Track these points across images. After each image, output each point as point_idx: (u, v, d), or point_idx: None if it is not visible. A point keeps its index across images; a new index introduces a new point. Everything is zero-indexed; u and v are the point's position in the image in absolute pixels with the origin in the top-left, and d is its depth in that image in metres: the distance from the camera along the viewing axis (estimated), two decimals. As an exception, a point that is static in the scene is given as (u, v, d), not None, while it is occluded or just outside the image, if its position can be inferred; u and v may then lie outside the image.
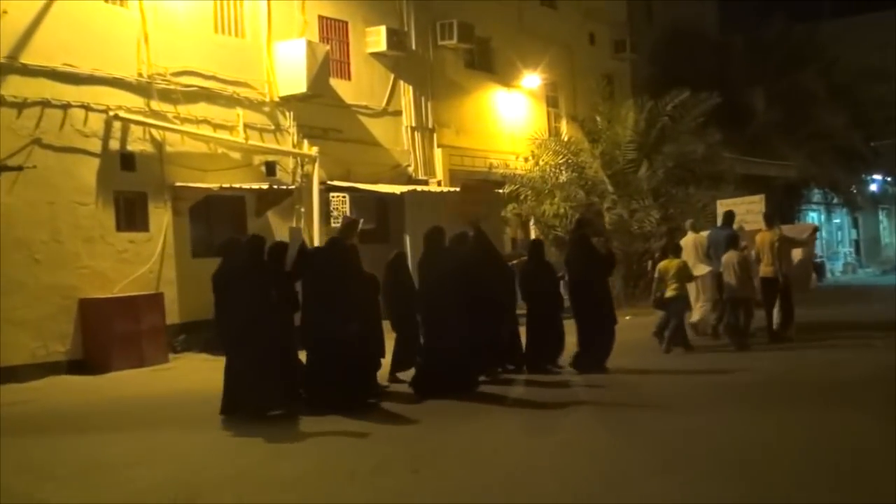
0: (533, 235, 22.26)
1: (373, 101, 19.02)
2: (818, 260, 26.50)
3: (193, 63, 15.47)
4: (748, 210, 15.20)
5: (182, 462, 7.69)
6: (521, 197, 21.28)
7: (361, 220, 11.74)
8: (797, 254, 14.10)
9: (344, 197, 17.34)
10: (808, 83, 27.90)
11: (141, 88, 14.69)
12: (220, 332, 9.80)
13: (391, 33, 18.83)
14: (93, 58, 14.02)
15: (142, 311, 13.91)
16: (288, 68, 16.59)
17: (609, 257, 12.29)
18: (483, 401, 9.89)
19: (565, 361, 11.55)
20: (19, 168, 12.88)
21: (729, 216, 14.28)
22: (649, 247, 20.40)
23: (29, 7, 13.31)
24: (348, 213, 17.12)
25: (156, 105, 14.84)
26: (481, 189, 18.29)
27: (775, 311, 13.50)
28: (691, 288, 13.63)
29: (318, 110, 17.46)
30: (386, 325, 11.14)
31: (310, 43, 16.76)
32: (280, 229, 16.13)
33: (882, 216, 39.18)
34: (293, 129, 17.14)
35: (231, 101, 16.08)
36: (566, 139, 22.67)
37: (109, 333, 13.43)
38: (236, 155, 16.14)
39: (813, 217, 33.93)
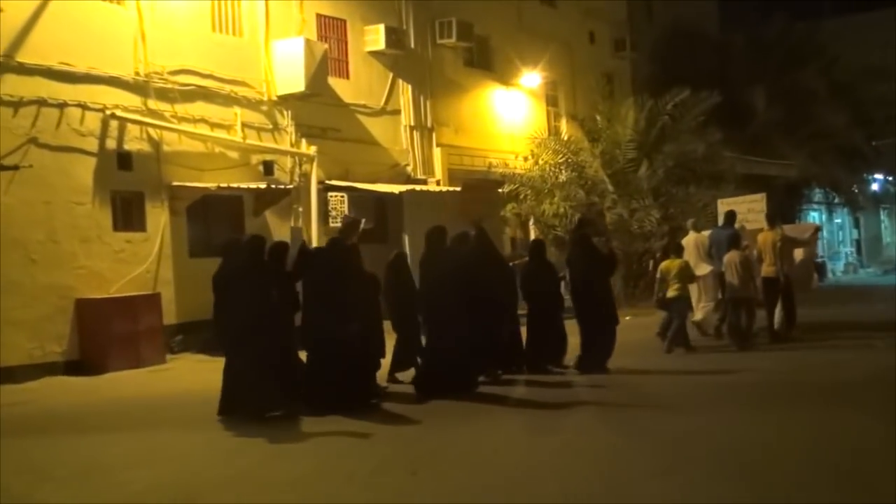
0: (532, 235, 22.30)
1: (371, 100, 19.05)
2: (819, 260, 26.52)
3: (191, 62, 15.50)
4: (749, 209, 15.24)
5: (181, 463, 7.71)
6: (521, 196, 21.31)
7: (364, 221, 11.71)
8: (798, 253, 14.15)
9: (342, 196, 17.36)
10: (809, 82, 27.94)
11: (138, 87, 14.71)
12: (220, 332, 9.83)
13: (390, 32, 18.85)
14: (89, 56, 14.03)
15: (139, 311, 13.93)
16: (286, 67, 16.61)
17: (611, 257, 12.32)
18: (484, 401, 9.91)
19: (569, 362, 11.58)
20: (15, 167, 12.90)
21: (730, 215, 14.32)
22: (649, 246, 20.43)
23: (25, 5, 13.33)
24: (347, 213, 17.14)
25: (153, 104, 14.86)
26: (483, 188, 18.27)
27: (777, 312, 13.53)
28: (693, 288, 13.66)
29: (317, 109, 17.48)
30: (387, 325, 11.17)
31: (308, 41, 16.78)
32: (278, 229, 16.16)
33: (883, 216, 39.21)
34: (291, 129, 17.16)
35: (229, 100, 16.10)
36: (566, 138, 22.70)
37: (106, 334, 13.45)
38: (234, 154, 16.16)
39: (814, 216, 33.96)
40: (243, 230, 15.68)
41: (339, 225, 16.58)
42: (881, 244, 39.00)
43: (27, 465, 7.74)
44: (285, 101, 16.94)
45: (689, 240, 14.56)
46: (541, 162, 21.96)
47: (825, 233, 32.68)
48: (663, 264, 13.34)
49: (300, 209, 17.05)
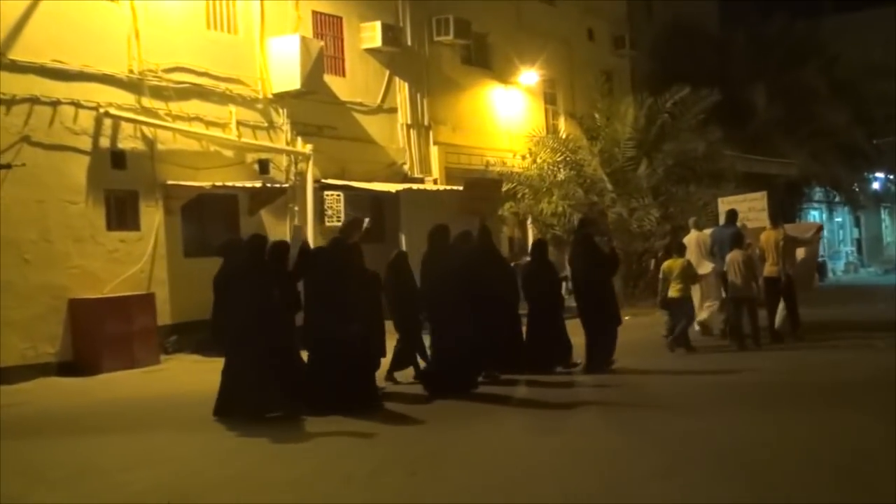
0: (531, 234, 22.35)
1: (368, 98, 19.06)
2: (820, 259, 26.57)
3: (185, 59, 15.50)
4: (750, 208, 15.29)
5: (179, 464, 7.72)
6: (519, 195, 21.33)
7: (367, 220, 11.70)
8: (800, 252, 14.20)
9: (338, 195, 17.37)
10: (810, 80, 28.00)
11: (132, 85, 14.71)
12: (218, 332, 9.82)
13: (386, 29, 18.86)
14: (83, 54, 14.04)
15: (133, 311, 13.93)
16: (281, 65, 16.61)
17: (612, 257, 12.36)
18: (484, 401, 9.96)
19: (577, 359, 11.62)
20: (8, 166, 12.91)
21: (732, 214, 14.38)
22: (649, 246, 20.47)
23: (18, 2, 13.32)
24: (342, 212, 17.16)
25: (147, 102, 14.87)
26: (485, 186, 18.29)
27: (779, 311, 13.58)
28: (695, 287, 13.70)
29: (312, 107, 17.50)
30: (388, 324, 11.20)
31: (304, 39, 16.79)
32: (274, 228, 16.17)
33: (884, 215, 39.27)
34: (287, 127, 17.18)
35: (224, 98, 16.11)
36: (564, 137, 22.74)
37: (100, 334, 13.45)
38: (229, 153, 16.17)
39: (814, 215, 34.03)
40: (238, 229, 15.70)
41: (335, 224, 16.68)
42: (882, 243, 39.06)
43: (22, 467, 7.75)
44: (281, 98, 16.95)
45: (691, 238, 14.61)
46: (539, 160, 22.00)
47: (825, 232, 32.72)
48: (665, 264, 13.38)
49: (296, 208, 17.06)
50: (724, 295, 13.89)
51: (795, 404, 9.07)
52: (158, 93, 15.05)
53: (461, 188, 17.56)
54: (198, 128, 15.65)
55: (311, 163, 17.15)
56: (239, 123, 16.23)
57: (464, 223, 12.21)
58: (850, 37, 29.54)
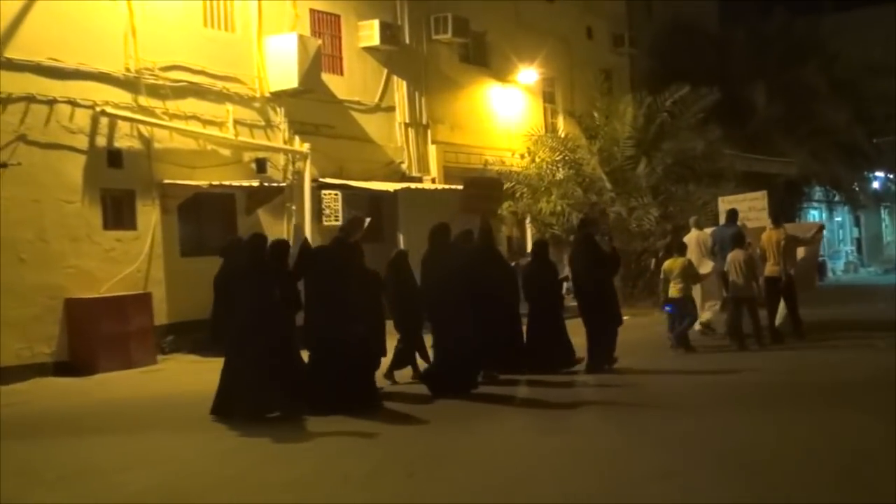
0: (529, 234, 22.37)
1: (366, 97, 19.07)
2: (820, 259, 26.61)
3: (182, 58, 15.50)
4: (750, 207, 15.34)
5: (177, 465, 7.74)
6: (517, 194, 21.35)
7: (368, 220, 11.70)
8: (800, 252, 14.23)
9: (336, 194, 17.37)
10: (810, 78, 28.02)
11: (128, 83, 14.71)
12: (217, 331, 9.82)
13: (384, 27, 18.87)
14: (79, 52, 14.03)
15: (129, 311, 13.93)
16: (279, 63, 16.61)
17: (613, 256, 12.38)
18: (485, 401, 9.99)
19: (580, 355, 11.65)
20: (4, 165, 12.91)
21: (733, 213, 14.41)
22: (648, 245, 20.49)
23: (14, 0, 13.31)
24: (340, 211, 17.17)
25: (143, 101, 14.87)
26: (485, 185, 18.27)
27: (780, 310, 13.62)
28: (696, 288, 13.71)
29: (310, 106, 17.50)
30: (388, 324, 11.21)
31: (301, 37, 16.78)
32: (271, 227, 16.17)
33: (884, 214, 39.29)
34: (284, 126, 17.18)
35: (220, 97, 16.11)
36: (563, 135, 22.74)
37: (96, 334, 13.44)
38: (226, 152, 16.17)
39: (814, 215, 34.06)
40: (235, 229, 15.71)
41: (333, 223, 16.70)
42: (882, 243, 39.10)
43: (20, 468, 7.75)
44: (278, 97, 16.95)
45: (692, 237, 14.64)
46: (537, 159, 22.01)
47: (825, 231, 32.74)
48: (666, 263, 13.40)
49: (293, 207, 17.06)
50: (724, 294, 13.91)
51: (796, 404, 9.10)
52: (155, 91, 15.05)
53: (461, 187, 17.54)
54: (195, 126, 15.65)
55: (308, 162, 17.16)
56: (236, 122, 16.23)
57: (464, 222, 12.23)
58: (850, 35, 29.54)
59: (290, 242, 11.39)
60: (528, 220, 22.10)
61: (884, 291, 21.94)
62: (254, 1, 16.76)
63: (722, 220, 15.05)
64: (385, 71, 19.50)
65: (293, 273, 9.87)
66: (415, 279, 11.16)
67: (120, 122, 14.51)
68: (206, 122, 15.83)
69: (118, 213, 14.61)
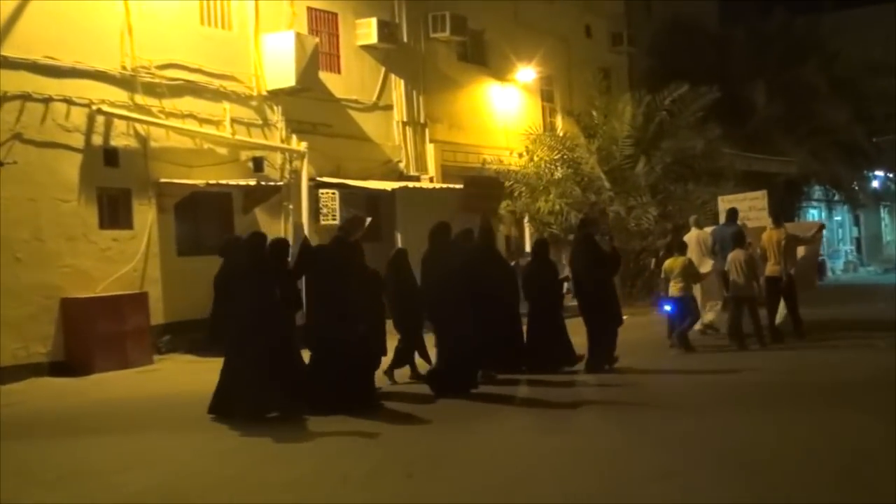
0: (528, 233, 22.40)
1: (363, 95, 19.09)
2: (820, 258, 26.65)
3: (179, 56, 15.50)
4: (750, 207, 15.38)
5: (175, 465, 7.76)
6: (515, 193, 21.37)
7: (369, 219, 11.70)
8: (800, 251, 14.27)
9: (334, 193, 17.39)
10: (810, 77, 28.07)
11: (125, 82, 14.72)
12: (216, 331, 9.81)
13: (382, 25, 18.88)
14: (75, 50, 14.03)
15: (125, 311, 13.93)
16: (276, 61, 16.62)
17: (614, 256, 12.41)
18: (486, 401, 10.01)
19: (580, 353, 11.68)
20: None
21: (733, 213, 14.45)
22: (647, 244, 20.52)
23: (10, -2, 13.35)
24: (337, 210, 17.18)
25: (140, 99, 14.87)
26: (485, 184, 18.32)
27: (780, 309, 13.65)
28: (696, 287, 13.74)
29: (307, 104, 17.51)
30: (388, 323, 11.23)
31: (298, 35, 16.80)
32: (268, 227, 16.15)
33: (884, 213, 39.39)
34: (281, 124, 17.19)
35: (217, 95, 16.12)
36: (561, 134, 22.76)
37: (92, 334, 13.45)
38: (223, 150, 16.18)
39: (813, 214, 34.14)
40: (232, 228, 15.72)
41: (330, 223, 16.72)
42: (881, 242, 39.19)
43: (16, 468, 7.75)
44: (275, 96, 16.96)
45: (692, 236, 14.66)
46: (536, 158, 22.02)
47: (825, 231, 32.77)
48: (667, 262, 13.43)
49: (290, 206, 17.08)
50: (725, 294, 13.93)
51: (796, 404, 9.14)
52: (152, 89, 15.06)
53: (460, 186, 17.60)
54: (191, 125, 15.66)
55: (305, 160, 17.18)
56: (233, 121, 16.24)
57: (464, 221, 12.26)
58: (850, 34, 29.59)
59: (290, 241, 11.40)
60: (526, 220, 22.13)
61: (883, 291, 21.99)
62: (251, -1, 16.78)
63: (722, 219, 15.08)
64: (383, 69, 19.51)
65: (293, 272, 9.89)
66: (415, 278, 11.18)
67: (116, 121, 14.52)
68: (202, 121, 15.84)
69: (114, 212, 14.61)
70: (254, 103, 16.78)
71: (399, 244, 16.62)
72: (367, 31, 18.84)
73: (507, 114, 22.89)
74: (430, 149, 20.52)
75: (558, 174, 21.72)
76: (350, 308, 9.51)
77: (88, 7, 14.32)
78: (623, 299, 18.96)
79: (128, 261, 14.54)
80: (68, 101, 13.92)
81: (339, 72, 18.62)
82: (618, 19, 26.93)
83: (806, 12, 30.54)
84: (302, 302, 9.82)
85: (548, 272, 12.13)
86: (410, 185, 18.87)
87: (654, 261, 14.98)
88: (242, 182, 16.06)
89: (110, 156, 14.48)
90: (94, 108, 14.20)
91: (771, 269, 13.53)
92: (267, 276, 9.46)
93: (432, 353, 11.05)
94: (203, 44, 16.01)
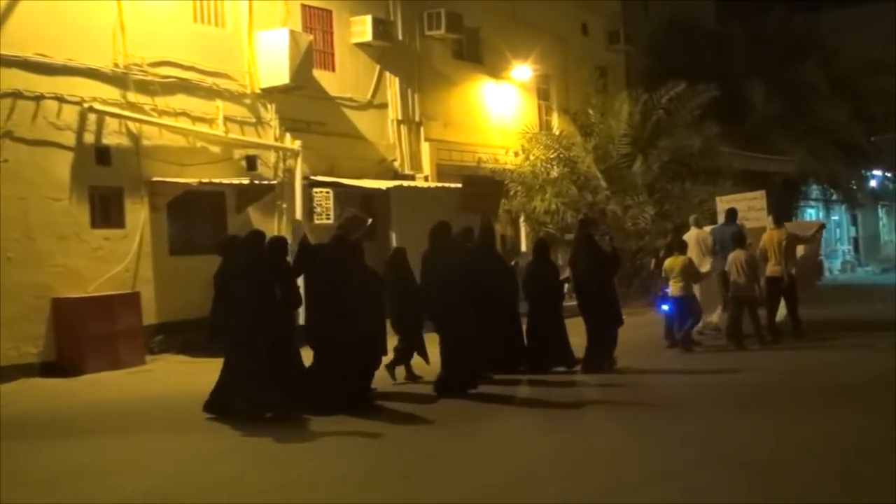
0: (523, 232, 22.43)
1: (358, 94, 19.09)
2: (818, 258, 26.70)
3: (171, 53, 15.49)
4: (749, 207, 15.41)
5: (170, 467, 7.76)
6: (511, 193, 21.39)
7: (370, 220, 11.68)
8: (799, 250, 14.30)
9: (328, 192, 17.39)
10: (808, 76, 28.12)
11: (117, 79, 14.70)
12: (215, 330, 9.80)
13: (377, 23, 18.89)
14: (67, 47, 14.01)
15: (117, 311, 13.92)
16: (270, 59, 16.62)
17: (614, 256, 12.44)
18: (485, 401, 10.05)
19: (577, 355, 11.71)
20: (-10, 162, 12.91)
21: (732, 213, 14.49)
22: (644, 244, 20.55)
23: (0, -6, 13.32)
24: (331, 210, 17.18)
25: (132, 97, 14.86)
26: (484, 184, 18.29)
27: (780, 308, 13.69)
28: (695, 288, 13.76)
29: (301, 103, 17.51)
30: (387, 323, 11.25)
31: (292, 33, 16.80)
32: (262, 226, 16.05)
33: (882, 213, 39.50)
34: (275, 122, 17.19)
35: (210, 93, 16.11)
36: (558, 133, 22.80)
37: (84, 334, 13.44)
38: (216, 149, 16.17)
39: (811, 214, 34.23)
40: (226, 227, 15.73)
41: (324, 222, 16.73)
42: (879, 242, 39.31)
43: (9, 470, 7.71)
44: (269, 94, 16.96)
45: (691, 236, 14.68)
46: (532, 157, 22.07)
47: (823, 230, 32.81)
48: (667, 262, 13.45)
49: (284, 205, 17.08)
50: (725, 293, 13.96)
51: (795, 404, 9.18)
52: (144, 87, 15.05)
53: (458, 185, 17.59)
54: (184, 123, 15.65)
55: (299, 159, 17.18)
56: (226, 119, 16.24)
57: (462, 221, 12.27)
58: (848, 32, 29.68)
59: (289, 240, 11.39)
60: (521, 219, 22.15)
61: (882, 291, 22.07)
62: (245, -4, 16.77)
63: (720, 219, 15.11)
64: (377, 67, 19.52)
65: (292, 270, 9.89)
66: (414, 277, 11.20)
67: (108, 119, 14.51)
68: (195, 119, 15.83)
69: (106, 211, 14.60)
70: (247, 101, 16.78)
71: (394, 244, 16.61)
72: (362, 28, 18.84)
73: (502, 112, 22.91)
74: (425, 147, 20.53)
75: (554, 173, 21.75)
76: (349, 307, 9.52)
77: (80, 4, 14.31)
78: (620, 299, 19.06)
79: (120, 260, 14.52)
80: (60, 99, 13.91)
81: (333, 70, 18.62)
82: (615, 17, 26.99)
83: (805, 10, 30.60)
84: (301, 299, 9.82)
85: (549, 273, 12.16)
86: (405, 184, 18.87)
87: (653, 260, 14.97)
88: (236, 181, 16.05)
89: (102, 154, 14.47)
90: (85, 105, 14.19)
91: (772, 269, 13.58)
92: (266, 274, 9.46)
93: (432, 352, 11.05)
94: (196, 41, 16.00)
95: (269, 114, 17.11)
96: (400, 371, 11.35)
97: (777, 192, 24.18)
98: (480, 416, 9.38)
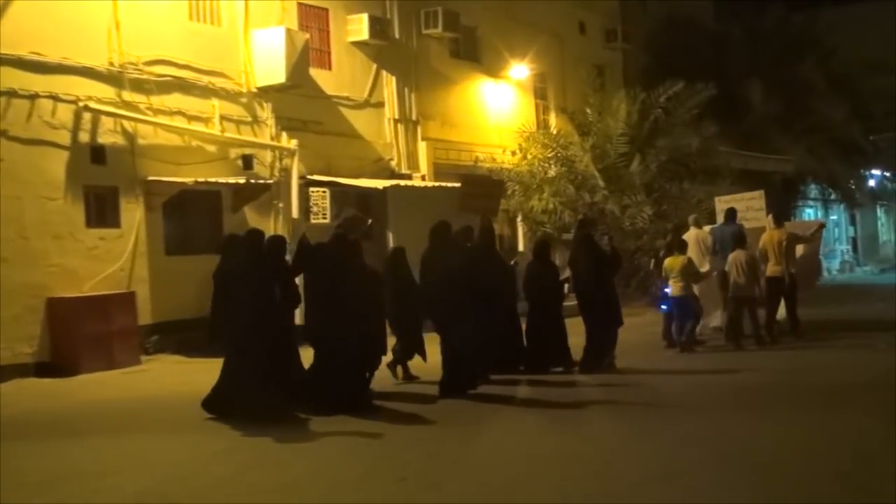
0: (521, 232, 22.45)
1: (354, 92, 19.10)
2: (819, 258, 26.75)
3: (167, 52, 15.50)
4: (748, 207, 15.43)
5: (167, 468, 7.77)
6: (509, 192, 21.39)
7: (370, 221, 11.70)
8: (799, 250, 14.34)
9: (324, 192, 17.40)
10: (807, 74, 28.12)
11: (112, 78, 14.71)
12: (215, 330, 9.81)
13: (374, 21, 18.90)
14: (62, 46, 14.01)
15: (113, 310, 13.94)
16: (266, 57, 16.62)
17: (614, 256, 12.47)
18: (485, 401, 10.08)
19: (576, 357, 11.74)
20: (-15, 161, 12.91)
21: (732, 212, 14.52)
22: (642, 244, 20.58)
23: (-6, -8, 13.32)
24: (328, 209, 17.19)
25: (127, 95, 14.87)
26: (484, 183, 18.27)
27: (780, 308, 13.73)
28: (694, 287, 13.79)
29: (298, 101, 17.52)
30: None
31: (289, 31, 16.81)
32: (258, 225, 16.06)
33: (880, 213, 39.57)
34: (271, 121, 17.20)
35: (206, 92, 16.12)
36: (555, 132, 22.80)
37: (79, 334, 13.45)
38: (212, 148, 16.18)
39: (810, 213, 34.27)
40: (222, 227, 15.74)
41: (321, 221, 16.73)
42: (878, 242, 39.38)
43: (6, 470, 7.70)
44: (265, 92, 16.97)
45: (691, 236, 14.71)
46: (529, 156, 22.07)
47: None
48: (667, 261, 13.48)
49: (280, 205, 17.10)
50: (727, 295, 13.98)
51: (795, 405, 9.21)
52: (139, 86, 15.05)
53: (454, 185, 17.58)
54: (180, 122, 15.66)
55: (296, 158, 17.19)
56: (222, 118, 16.25)
57: (461, 221, 12.29)
58: (847, 31, 29.68)
59: (288, 239, 11.40)
60: (519, 218, 22.17)
61: (881, 291, 22.14)
62: (241, -7, 16.78)
63: (719, 219, 15.14)
64: (374, 66, 19.53)
65: (292, 269, 9.90)
66: (413, 276, 11.22)
67: (103, 118, 14.51)
68: (191, 118, 15.84)
69: (101, 210, 14.60)
70: (243, 100, 16.79)
71: (391, 243, 16.64)
72: (359, 27, 18.85)
73: (500, 111, 22.92)
74: (421, 147, 20.55)
75: (552, 172, 21.77)
76: (349, 307, 9.54)
77: (75, 2, 14.30)
78: (619, 299, 19.11)
79: (115, 260, 14.53)
80: (55, 98, 13.91)
81: (329, 68, 18.64)
82: (612, 16, 27.01)
83: (803, 9, 30.62)
84: (300, 297, 9.83)
85: (549, 273, 12.19)
86: (402, 183, 18.89)
87: (653, 260, 15.00)
88: (232, 180, 16.06)
89: (97, 153, 14.47)
90: (80, 104, 14.20)
91: (772, 269, 13.61)
92: (265, 273, 9.47)
93: (431, 352, 11.07)
94: (192, 40, 16.01)
95: (266, 113, 17.13)
96: (398, 371, 11.37)
97: (775, 191, 24.20)
98: (480, 417, 9.40)
